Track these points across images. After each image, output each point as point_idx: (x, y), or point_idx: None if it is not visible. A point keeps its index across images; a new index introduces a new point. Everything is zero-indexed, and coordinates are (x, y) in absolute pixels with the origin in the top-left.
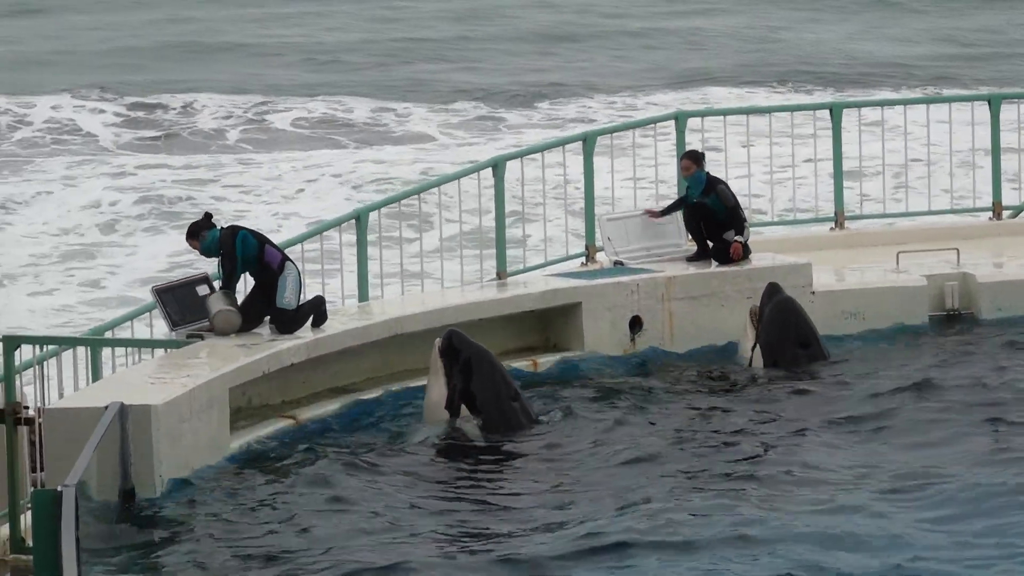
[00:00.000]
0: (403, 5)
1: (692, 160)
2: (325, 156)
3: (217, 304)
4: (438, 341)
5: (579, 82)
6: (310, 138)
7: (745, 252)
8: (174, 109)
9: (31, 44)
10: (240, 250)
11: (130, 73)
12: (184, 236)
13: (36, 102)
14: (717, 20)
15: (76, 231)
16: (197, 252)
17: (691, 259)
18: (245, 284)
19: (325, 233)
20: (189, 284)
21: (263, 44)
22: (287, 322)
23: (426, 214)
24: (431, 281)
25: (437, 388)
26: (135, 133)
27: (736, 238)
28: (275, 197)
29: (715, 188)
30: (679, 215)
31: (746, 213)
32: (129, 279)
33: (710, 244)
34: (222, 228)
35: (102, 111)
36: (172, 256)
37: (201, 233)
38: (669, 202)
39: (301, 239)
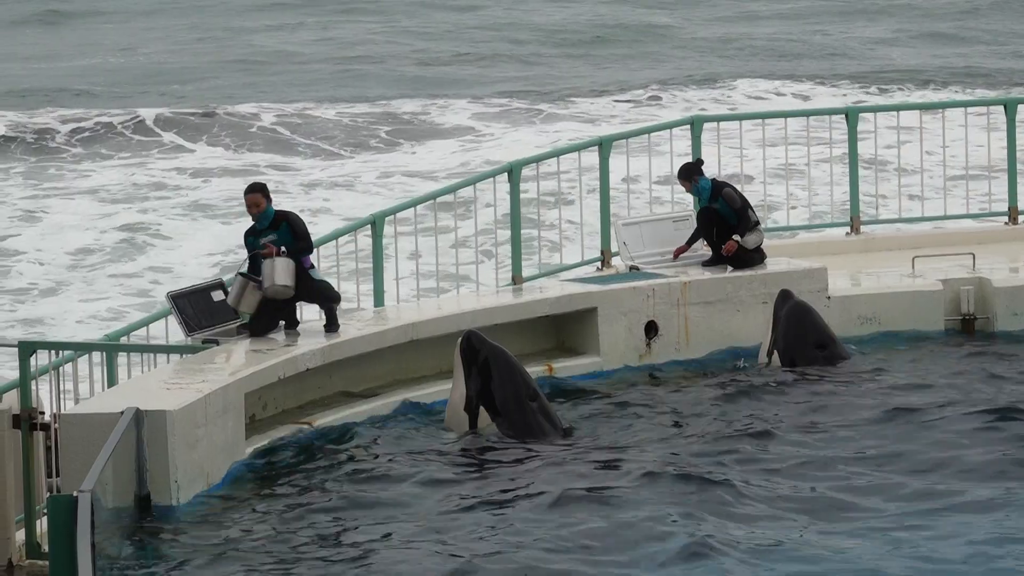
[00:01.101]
0: (440, 17)
1: (684, 178)
2: (367, 153)
3: (277, 277)
4: (460, 341)
5: (609, 81)
6: (350, 131)
7: (757, 253)
8: (213, 112)
9: (70, 57)
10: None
11: (165, 81)
12: (249, 191)
13: (83, 111)
14: (748, 25)
15: (119, 233)
16: (254, 213)
17: (707, 264)
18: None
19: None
20: (204, 290)
21: (299, 53)
22: (327, 288)
23: (442, 218)
24: (447, 286)
25: (458, 389)
26: (177, 135)
27: (734, 237)
28: (314, 194)
29: (721, 192)
30: (692, 220)
31: (760, 216)
32: (175, 284)
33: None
34: (277, 209)
35: (144, 113)
36: (214, 255)
37: (268, 197)
38: (685, 219)
39: (317, 244)
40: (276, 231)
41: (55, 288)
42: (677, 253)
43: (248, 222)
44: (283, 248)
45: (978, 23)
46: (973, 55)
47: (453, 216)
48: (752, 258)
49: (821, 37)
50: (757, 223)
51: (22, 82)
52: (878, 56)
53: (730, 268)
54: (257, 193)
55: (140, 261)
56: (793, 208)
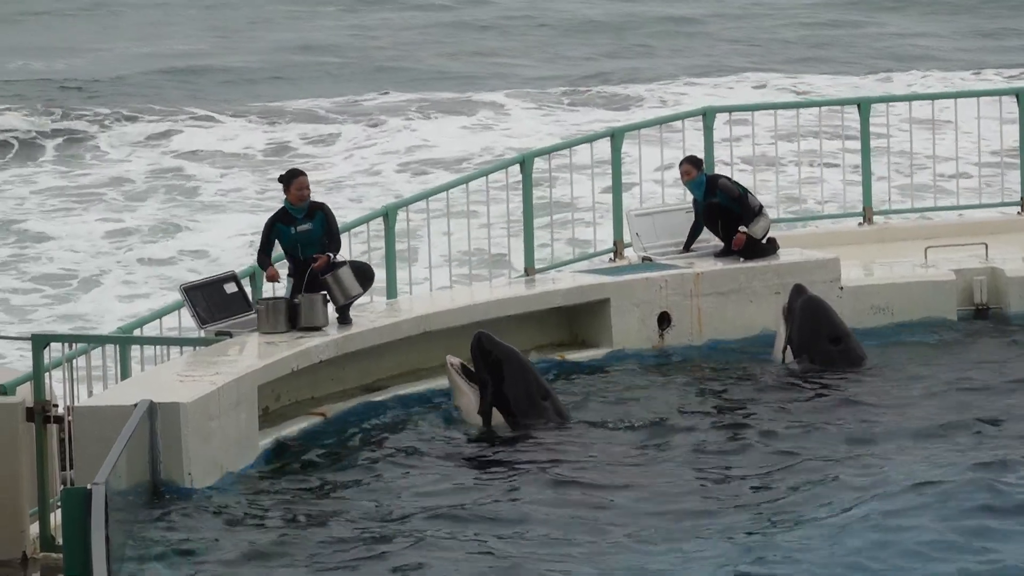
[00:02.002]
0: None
1: (693, 165)
2: (398, 126)
3: (352, 289)
4: (450, 359)
5: (637, 73)
6: (385, 109)
7: (770, 244)
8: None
9: (86, 49)
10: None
11: (190, 74)
12: (298, 175)
13: (107, 107)
14: (775, 17)
15: (152, 220)
16: (305, 196)
17: (719, 255)
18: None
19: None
20: (217, 282)
21: (321, 47)
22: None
23: (454, 208)
24: (459, 276)
25: (464, 396)
26: (205, 121)
27: (740, 229)
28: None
29: (717, 185)
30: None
31: (772, 204)
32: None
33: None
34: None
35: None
36: (244, 234)
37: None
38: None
39: None
40: (311, 221)
41: (92, 281)
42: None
43: (272, 210)
44: (330, 255)
45: (1009, 11)
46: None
47: (466, 207)
48: (764, 248)
49: (848, 29)
50: (761, 208)
51: (41, 73)
52: (906, 46)
53: (742, 259)
54: (304, 176)
55: (171, 245)
56: (806, 199)
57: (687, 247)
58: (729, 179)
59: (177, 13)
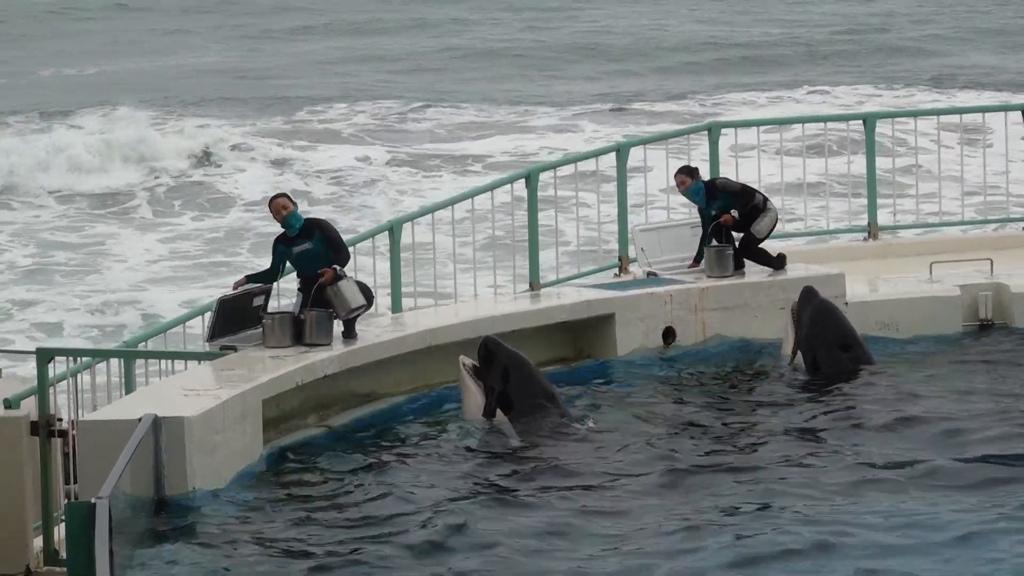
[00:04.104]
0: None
1: (686, 174)
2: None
3: (353, 302)
4: (463, 358)
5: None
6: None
7: (778, 258)
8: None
9: (101, 59)
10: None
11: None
12: (275, 198)
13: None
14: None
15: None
16: (284, 215)
17: None
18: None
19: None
20: (250, 295)
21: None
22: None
23: (459, 224)
24: (464, 291)
25: (471, 399)
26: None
27: (732, 212)
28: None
29: (716, 188)
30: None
31: (776, 218)
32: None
33: (738, 241)
34: (307, 217)
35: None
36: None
37: (293, 202)
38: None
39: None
40: (309, 239)
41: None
42: (691, 267)
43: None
44: (336, 267)
45: None
46: None
47: (471, 220)
48: (770, 259)
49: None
50: (766, 201)
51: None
52: (941, 59)
53: (744, 274)
54: (282, 198)
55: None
56: (811, 214)
57: (696, 261)
58: (726, 178)
59: (192, 22)
